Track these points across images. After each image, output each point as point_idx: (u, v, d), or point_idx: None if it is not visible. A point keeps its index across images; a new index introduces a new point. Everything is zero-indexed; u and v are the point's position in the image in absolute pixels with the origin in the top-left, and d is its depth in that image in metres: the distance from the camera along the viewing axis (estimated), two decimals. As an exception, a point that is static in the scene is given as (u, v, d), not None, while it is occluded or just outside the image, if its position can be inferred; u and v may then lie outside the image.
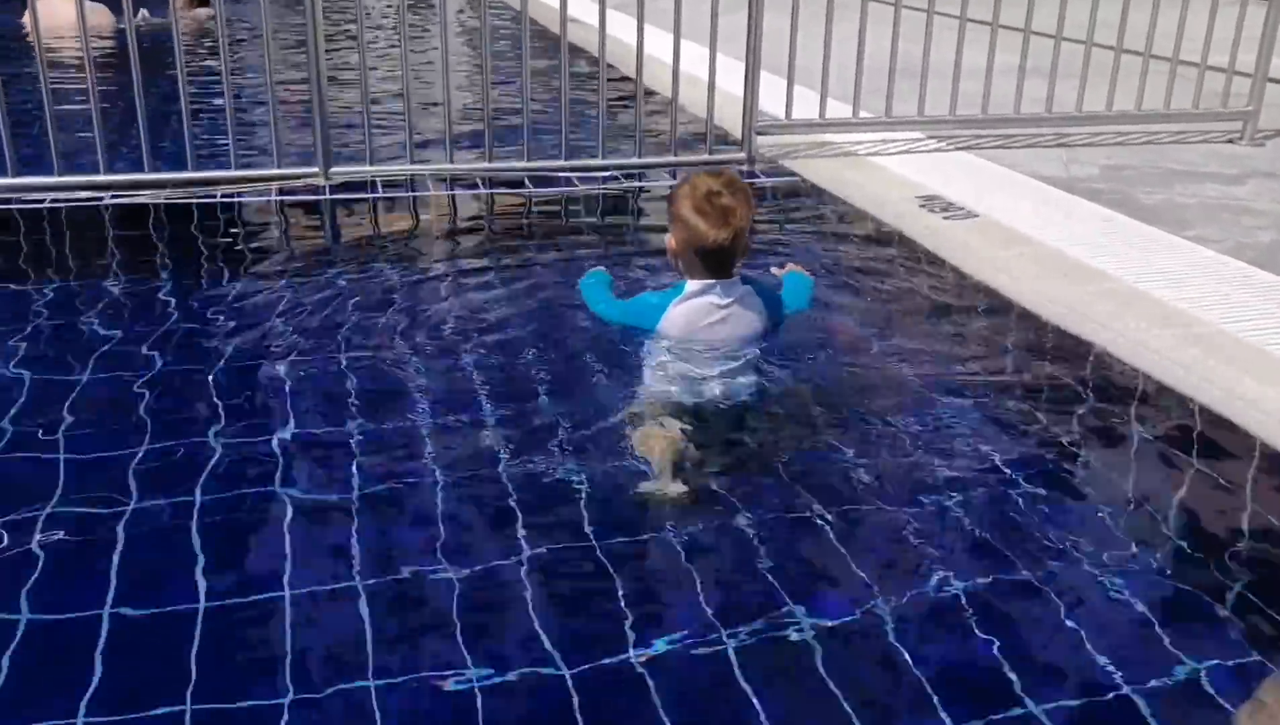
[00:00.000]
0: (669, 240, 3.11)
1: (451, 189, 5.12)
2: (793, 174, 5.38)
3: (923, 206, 4.85)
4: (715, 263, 3.00)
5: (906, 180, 5.25)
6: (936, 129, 5.83)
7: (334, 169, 5.10)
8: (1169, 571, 2.45)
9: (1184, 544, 2.55)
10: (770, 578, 2.35)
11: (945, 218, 4.69)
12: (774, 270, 3.62)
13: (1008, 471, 2.78)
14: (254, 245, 4.45)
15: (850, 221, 4.81)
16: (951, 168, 5.46)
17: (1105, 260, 4.15)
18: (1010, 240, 4.41)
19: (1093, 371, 3.40)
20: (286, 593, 2.27)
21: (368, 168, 5.14)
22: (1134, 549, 2.51)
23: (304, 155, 5.17)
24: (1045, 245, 4.35)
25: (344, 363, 3.31)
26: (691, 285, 3.06)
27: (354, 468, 2.74)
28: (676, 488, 2.57)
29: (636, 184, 5.26)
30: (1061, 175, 5.35)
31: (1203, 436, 3.01)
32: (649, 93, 6.10)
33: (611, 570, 2.36)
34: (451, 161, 5.21)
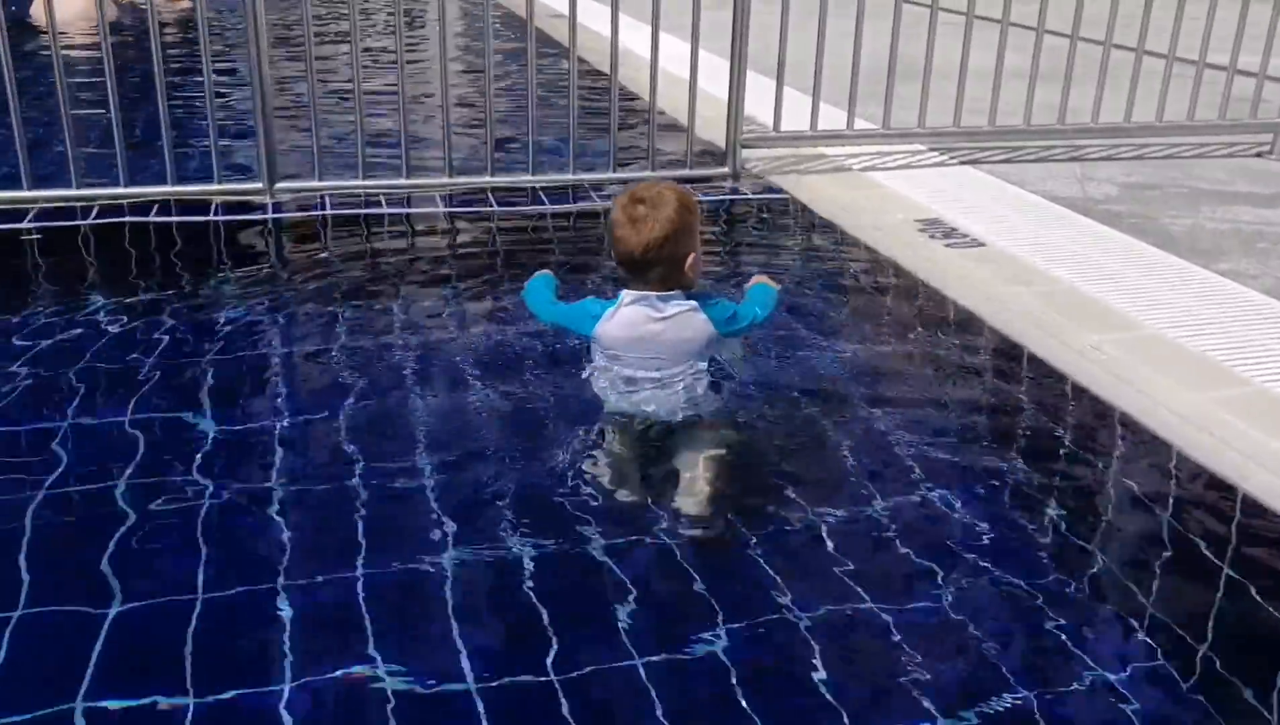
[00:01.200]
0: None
1: (408, 207, 4.66)
2: (780, 191, 4.92)
3: (922, 231, 4.40)
4: (635, 271, 2.91)
5: (905, 199, 4.79)
6: (939, 140, 5.38)
7: (279, 185, 4.65)
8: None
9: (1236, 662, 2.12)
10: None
11: (948, 245, 4.24)
12: (745, 286, 3.39)
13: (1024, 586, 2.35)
14: (188, 270, 4.01)
15: (842, 249, 4.35)
16: (955, 185, 5.01)
17: (1131, 302, 3.71)
18: (1021, 275, 3.96)
19: (1117, 444, 2.96)
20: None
21: (316, 183, 4.69)
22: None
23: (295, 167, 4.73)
24: (1060, 282, 3.89)
25: (282, 406, 2.98)
26: (627, 296, 2.95)
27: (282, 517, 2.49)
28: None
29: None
30: (1077, 195, 4.89)
31: (1244, 533, 2.58)
32: (628, 97, 5.67)
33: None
34: (408, 177, 4.76)
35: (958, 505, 2.62)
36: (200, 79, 4.58)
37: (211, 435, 2.84)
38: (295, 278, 3.94)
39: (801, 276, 4.00)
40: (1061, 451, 2.93)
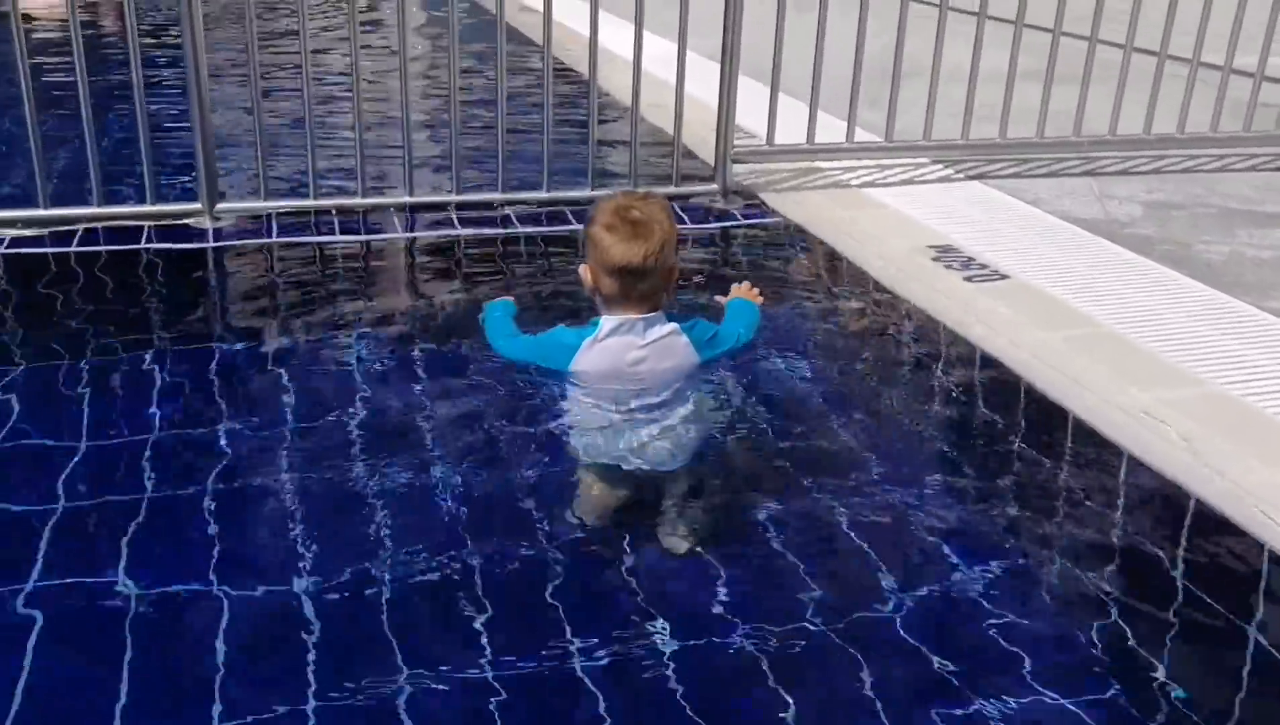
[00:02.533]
0: (583, 270, 2.76)
1: (365, 228, 4.19)
2: (773, 213, 4.47)
3: (937, 260, 3.98)
4: (629, 286, 2.66)
5: (912, 222, 4.37)
6: (944, 154, 4.95)
7: (221, 206, 4.16)
8: None
9: None
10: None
11: (967, 279, 3.82)
12: (718, 298, 3.20)
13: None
14: (117, 305, 3.53)
15: (845, 282, 3.90)
16: (964, 204, 4.58)
17: (1181, 350, 3.30)
18: (1053, 316, 3.54)
19: (1202, 544, 2.54)
20: None
21: (262, 203, 4.20)
22: None
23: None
24: (1098, 325, 3.48)
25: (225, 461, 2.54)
26: (607, 322, 2.71)
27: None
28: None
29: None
30: (1099, 216, 4.49)
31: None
32: (607, 103, 5.21)
33: None
34: (364, 195, 4.28)
35: (995, 616, 2.21)
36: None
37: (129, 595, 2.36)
38: (235, 319, 3.47)
39: (802, 318, 3.56)
40: (1128, 544, 2.51)
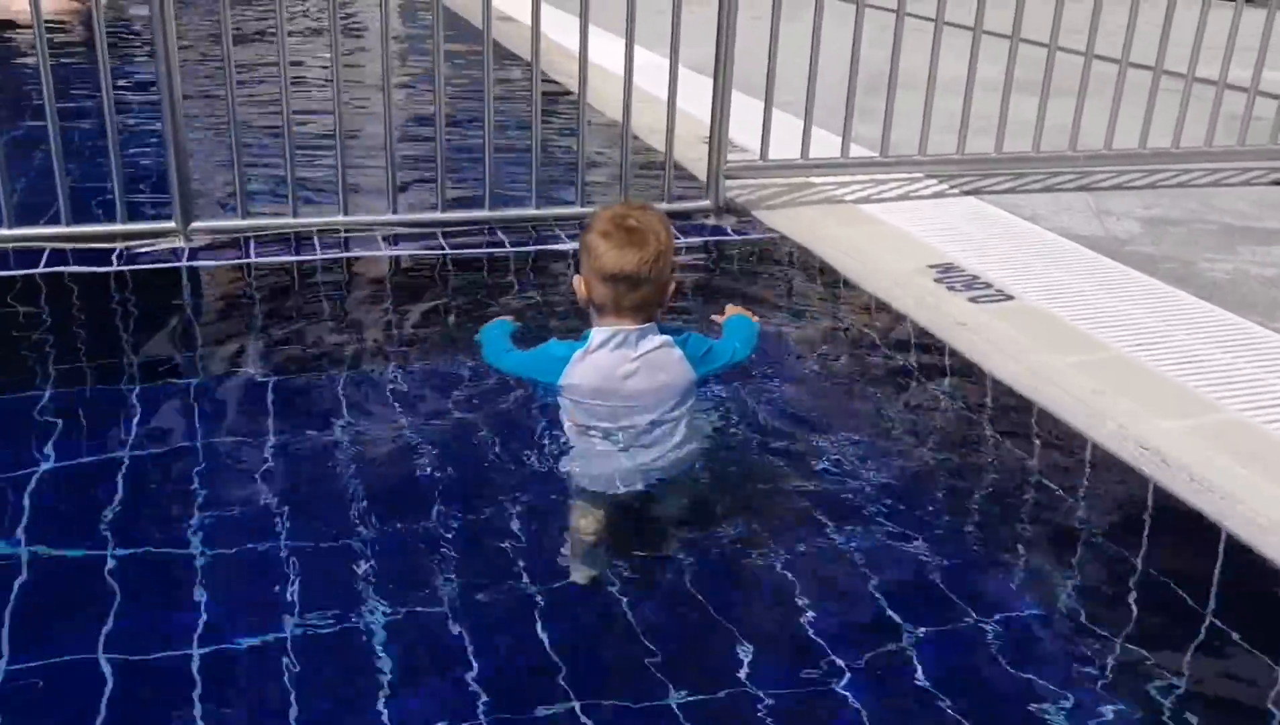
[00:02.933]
0: (576, 281, 2.69)
1: (346, 248, 4.03)
2: (770, 230, 4.36)
3: (939, 281, 3.87)
4: (622, 295, 2.58)
5: (911, 239, 4.26)
6: (940, 169, 4.85)
7: (196, 224, 3.99)
8: None
9: None
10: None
11: (972, 299, 3.71)
12: (714, 317, 3.13)
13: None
14: (82, 329, 3.38)
15: (846, 303, 3.79)
16: (962, 221, 4.48)
17: (1196, 375, 3.19)
18: (1062, 339, 3.43)
19: (1209, 564, 2.44)
20: None
21: (239, 222, 4.04)
22: None
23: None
24: (1108, 349, 3.38)
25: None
26: (598, 334, 2.64)
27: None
28: (583, 573, 2.36)
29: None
30: (1098, 233, 4.40)
31: None
32: (594, 120, 5.08)
33: None
34: (345, 213, 4.12)
35: (1013, 656, 2.09)
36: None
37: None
38: (207, 343, 3.30)
39: (805, 342, 3.44)
40: (1150, 579, 2.40)
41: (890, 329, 3.58)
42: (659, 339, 2.65)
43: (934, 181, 4.89)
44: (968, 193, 4.82)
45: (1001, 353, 3.35)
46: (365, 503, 2.51)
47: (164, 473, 2.63)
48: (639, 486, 2.55)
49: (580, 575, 2.35)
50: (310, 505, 2.51)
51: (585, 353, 2.64)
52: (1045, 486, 2.72)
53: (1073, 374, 3.20)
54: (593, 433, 2.65)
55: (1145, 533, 2.60)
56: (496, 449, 2.71)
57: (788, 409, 2.98)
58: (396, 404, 2.95)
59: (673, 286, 2.69)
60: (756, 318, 3.06)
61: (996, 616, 2.24)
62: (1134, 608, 2.31)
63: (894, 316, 3.65)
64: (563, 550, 2.42)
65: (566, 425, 2.68)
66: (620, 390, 2.63)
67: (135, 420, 2.81)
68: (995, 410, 3.11)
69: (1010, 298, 3.74)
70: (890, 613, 2.25)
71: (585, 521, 2.49)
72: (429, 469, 2.66)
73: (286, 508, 2.48)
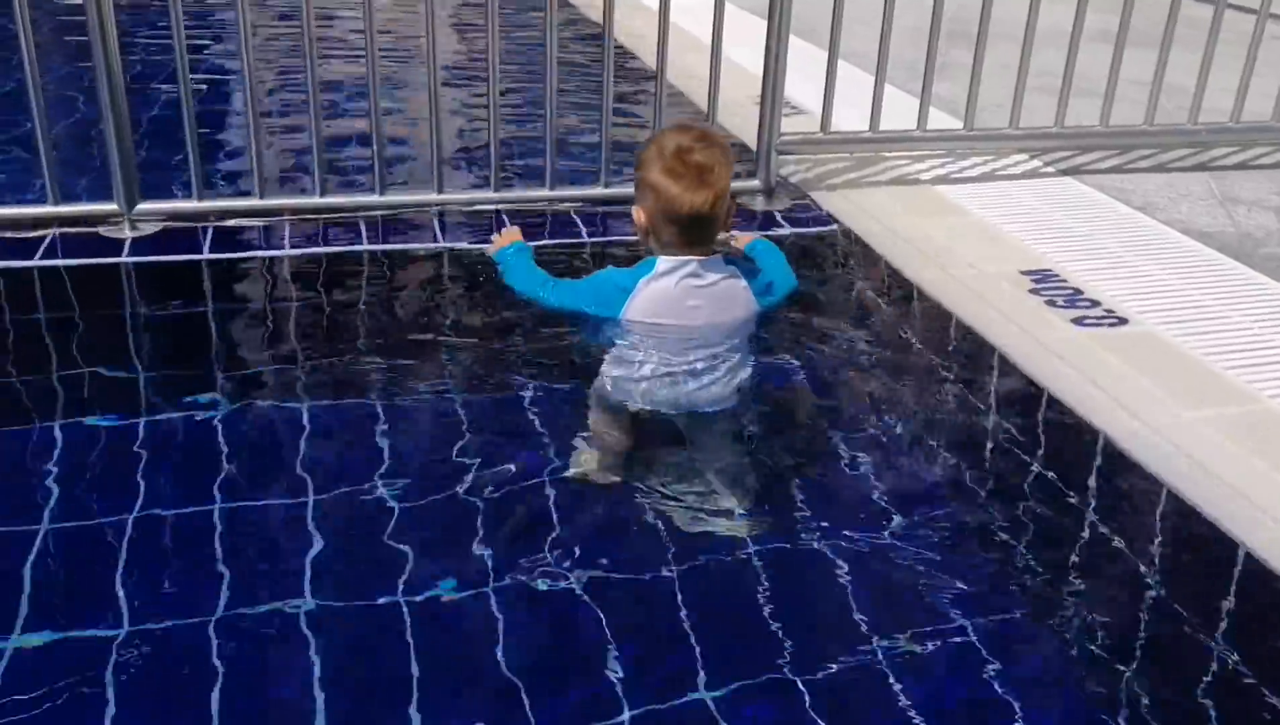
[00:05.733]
0: (636, 212, 2.60)
1: (325, 240, 3.38)
2: (829, 220, 3.64)
3: (1035, 292, 3.16)
4: (694, 233, 2.53)
5: (1000, 235, 3.54)
6: (1034, 143, 4.10)
7: (142, 205, 3.35)
8: None
9: None
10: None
11: (1076, 321, 3.00)
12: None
13: None
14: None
15: (918, 323, 3.09)
16: (1060, 209, 3.75)
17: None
18: (1199, 385, 2.72)
19: None
20: None
21: (195, 204, 3.40)
22: None
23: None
24: (1260, 402, 2.66)
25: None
26: (664, 262, 2.55)
27: None
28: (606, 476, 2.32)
29: (603, 236, 3.49)
30: (1226, 228, 3.65)
31: None
32: (626, 70, 4.39)
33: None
34: (322, 194, 3.47)
35: None
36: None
37: None
38: (149, 363, 2.68)
39: (864, 382, 2.76)
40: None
41: (973, 363, 2.88)
42: (726, 270, 2.58)
43: (1025, 156, 4.15)
44: (1065, 172, 4.07)
45: (1115, 403, 2.65)
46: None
47: (90, 548, 2.04)
48: (696, 407, 2.44)
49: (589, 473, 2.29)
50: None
51: (650, 281, 2.55)
52: (1207, 645, 2.04)
53: (1213, 438, 2.50)
54: (646, 361, 2.49)
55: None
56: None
57: (831, 490, 2.33)
58: (384, 435, 2.33)
59: (734, 207, 2.66)
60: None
61: None
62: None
63: (978, 344, 2.95)
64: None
65: (615, 355, 2.53)
66: (688, 322, 2.55)
67: (48, 476, 2.22)
68: (1108, 497, 2.41)
69: (1123, 321, 3.02)
70: None
71: (606, 439, 2.39)
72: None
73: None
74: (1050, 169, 4.08)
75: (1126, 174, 4.08)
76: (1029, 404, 2.71)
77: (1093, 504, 2.35)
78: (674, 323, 2.54)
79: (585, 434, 2.42)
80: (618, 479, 2.31)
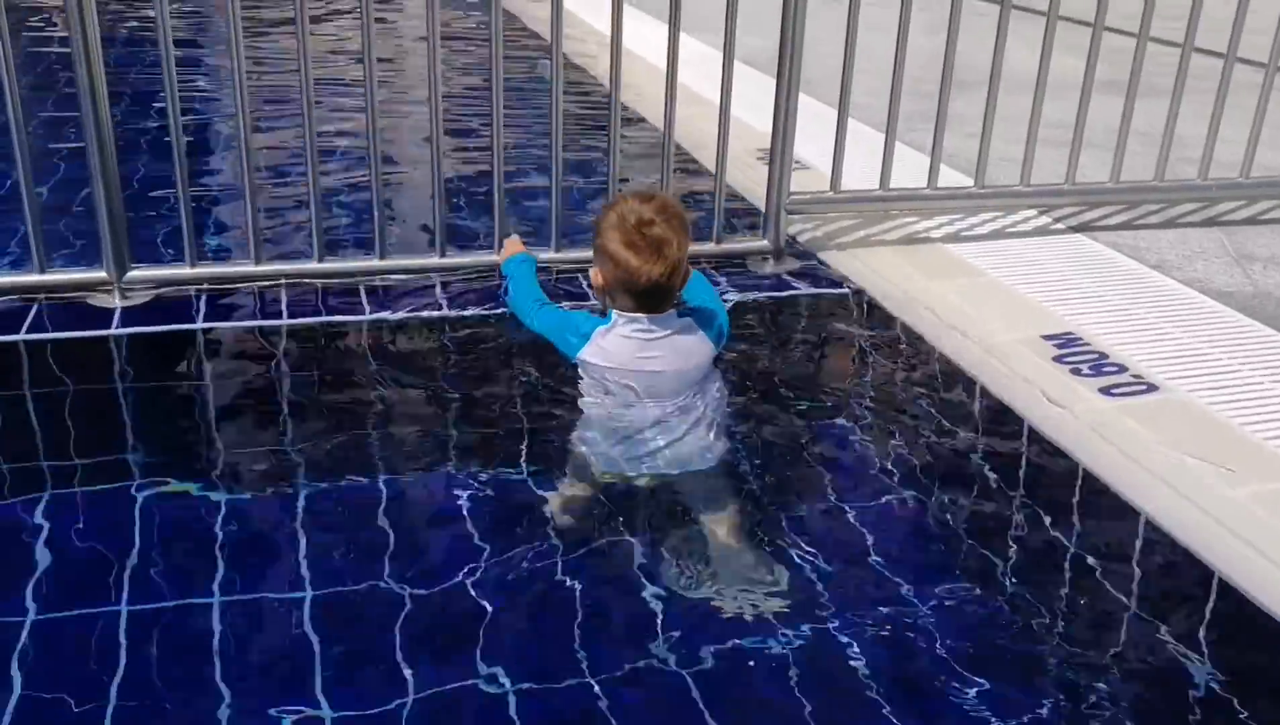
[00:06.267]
0: (594, 273, 2.76)
1: (324, 309, 3.25)
2: (839, 281, 3.55)
3: (1059, 360, 3.07)
4: (651, 301, 2.67)
5: (1016, 297, 3.45)
6: (1044, 200, 4.03)
7: (133, 272, 3.23)
8: None
9: None
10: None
11: (1104, 390, 2.91)
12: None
13: None
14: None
15: (941, 394, 2.98)
16: (1075, 268, 3.67)
17: None
18: (1238, 459, 2.63)
19: None
20: None
21: (189, 270, 3.28)
22: None
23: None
24: (1301, 478, 2.58)
25: None
26: (619, 317, 2.70)
27: None
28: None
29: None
30: (1244, 287, 3.58)
31: None
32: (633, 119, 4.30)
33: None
34: (321, 260, 3.35)
35: None
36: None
37: None
38: (139, 446, 2.55)
39: (882, 445, 2.67)
40: None
41: (1001, 435, 2.78)
42: (679, 322, 2.70)
43: (1034, 212, 4.08)
44: (1075, 229, 4.00)
45: (1155, 478, 2.55)
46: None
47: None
48: (643, 472, 2.47)
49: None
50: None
51: (605, 332, 2.69)
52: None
53: (1262, 517, 2.41)
54: (608, 404, 2.64)
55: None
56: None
57: (851, 582, 2.22)
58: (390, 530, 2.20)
59: (689, 272, 2.75)
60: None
61: None
62: None
63: (1004, 414, 2.86)
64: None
65: (585, 396, 2.68)
66: (643, 368, 2.65)
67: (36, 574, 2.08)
68: (1153, 584, 2.30)
69: (1153, 387, 2.93)
70: None
71: (574, 491, 2.43)
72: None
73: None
74: (1060, 225, 4.01)
75: (1137, 230, 4.01)
76: (1063, 481, 2.61)
77: (1136, 593, 2.24)
78: (630, 370, 2.66)
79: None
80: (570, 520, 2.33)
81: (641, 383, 2.66)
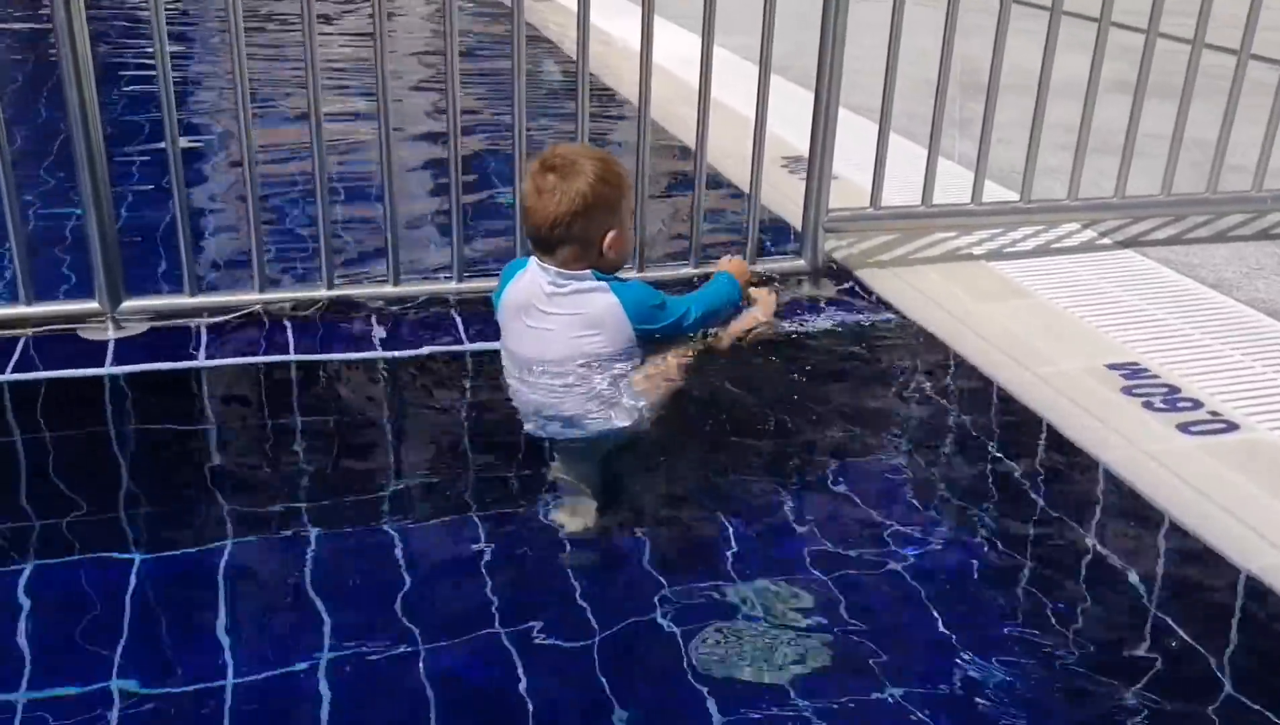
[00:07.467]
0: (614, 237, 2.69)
1: (332, 340, 3.02)
2: (881, 304, 3.33)
3: (1129, 392, 2.86)
4: (539, 248, 2.64)
5: (1075, 323, 3.24)
6: (1092, 214, 3.82)
7: (127, 303, 2.99)
8: None
9: None
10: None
11: (1181, 427, 2.70)
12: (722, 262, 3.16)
13: None
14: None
15: (1001, 429, 2.77)
16: (1129, 290, 3.45)
17: None
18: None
19: None
20: None
21: (187, 300, 3.04)
22: None
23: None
24: None
25: None
26: (534, 260, 2.67)
27: None
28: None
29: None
30: (1311, 309, 3.38)
31: None
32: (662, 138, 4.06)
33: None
34: (330, 286, 3.12)
35: None
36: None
37: None
38: (135, 495, 2.32)
39: (941, 492, 2.46)
40: None
41: (1075, 481, 2.57)
42: (590, 282, 2.61)
43: (1077, 226, 3.87)
44: (1123, 244, 3.79)
45: (1249, 529, 2.34)
46: None
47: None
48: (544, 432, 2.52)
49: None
50: None
51: (522, 273, 2.67)
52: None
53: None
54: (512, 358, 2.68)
55: None
56: None
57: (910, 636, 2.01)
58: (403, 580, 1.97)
59: (611, 236, 2.62)
60: (743, 270, 3.10)
61: None
62: None
63: (1077, 457, 2.64)
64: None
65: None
66: (528, 324, 2.62)
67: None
68: (1255, 648, 2.10)
69: (1233, 426, 2.72)
70: None
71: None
72: None
73: None
74: (1107, 240, 3.80)
75: (1187, 245, 3.80)
76: (1147, 532, 2.39)
77: (1240, 663, 2.02)
78: (520, 318, 2.64)
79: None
80: (585, 524, 2.30)
81: (529, 334, 2.63)
